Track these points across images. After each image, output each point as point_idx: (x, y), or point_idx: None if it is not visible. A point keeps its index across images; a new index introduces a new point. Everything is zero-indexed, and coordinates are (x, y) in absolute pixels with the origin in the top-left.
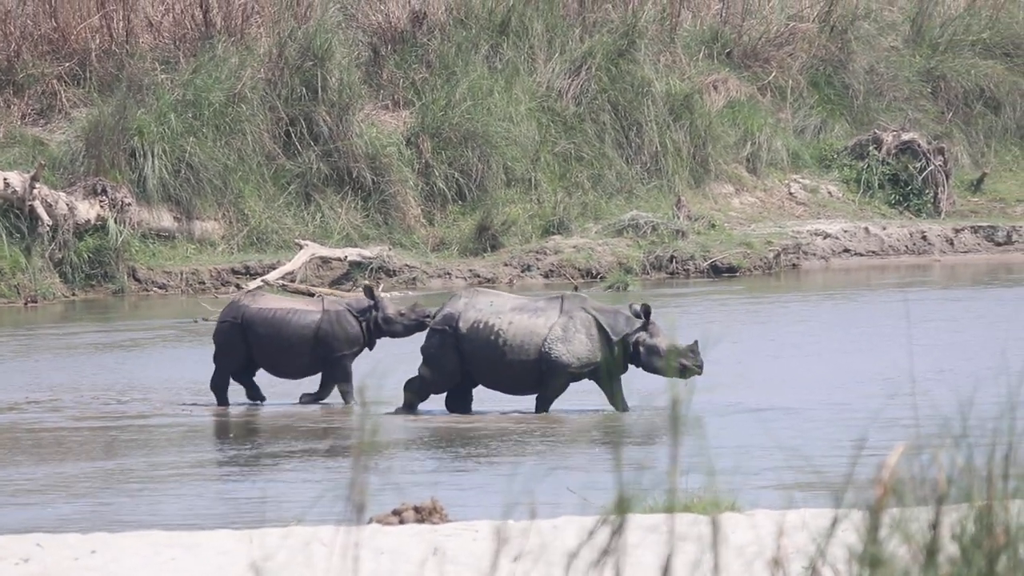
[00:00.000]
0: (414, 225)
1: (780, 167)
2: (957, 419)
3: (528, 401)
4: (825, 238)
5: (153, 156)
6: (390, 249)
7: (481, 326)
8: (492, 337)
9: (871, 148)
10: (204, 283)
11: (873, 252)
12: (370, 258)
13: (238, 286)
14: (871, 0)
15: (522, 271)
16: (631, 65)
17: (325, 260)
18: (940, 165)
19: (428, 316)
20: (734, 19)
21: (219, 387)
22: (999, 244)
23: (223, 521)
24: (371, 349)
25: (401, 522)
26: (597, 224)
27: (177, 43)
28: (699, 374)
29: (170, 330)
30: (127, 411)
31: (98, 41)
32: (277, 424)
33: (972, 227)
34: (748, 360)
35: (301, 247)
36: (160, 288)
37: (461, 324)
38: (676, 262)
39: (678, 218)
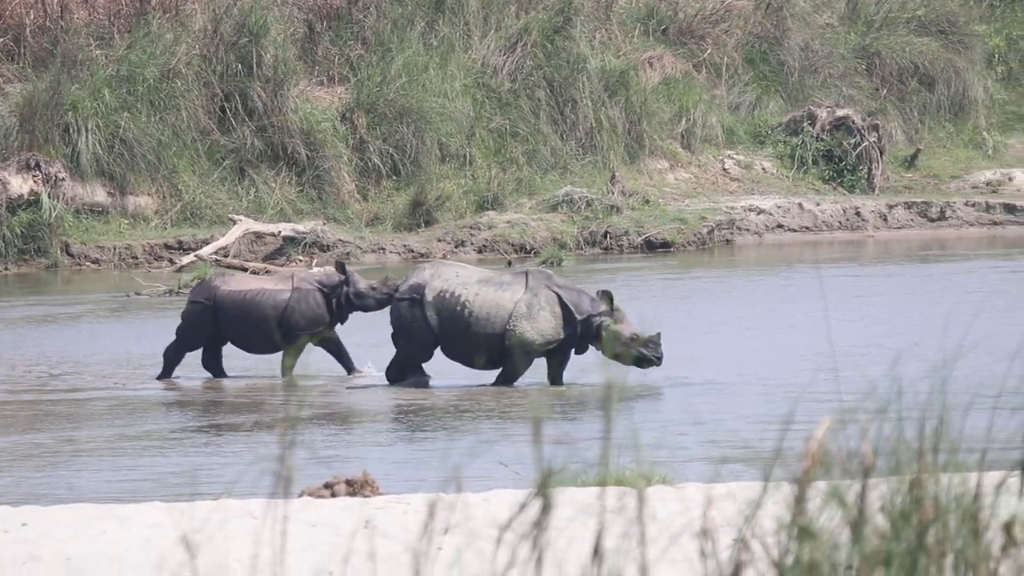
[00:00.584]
0: (348, 200)
1: (715, 143)
2: (886, 392)
3: (484, 375)
4: (759, 214)
5: (87, 131)
6: (324, 224)
7: (448, 296)
8: (458, 308)
9: (805, 124)
10: (137, 258)
11: (807, 228)
12: (304, 233)
13: (171, 261)
14: None
15: (456, 246)
16: (566, 42)
17: (259, 235)
18: (874, 141)
19: (398, 289)
20: None
21: (172, 361)
22: (932, 220)
23: (154, 494)
24: (343, 323)
25: (333, 495)
26: (531, 200)
27: (112, 19)
28: (658, 365)
29: (103, 304)
30: (60, 385)
31: (32, 16)
32: (209, 398)
33: (905, 203)
34: (681, 335)
35: (235, 222)
36: (93, 263)
37: (427, 293)
38: (610, 237)
39: (612, 194)
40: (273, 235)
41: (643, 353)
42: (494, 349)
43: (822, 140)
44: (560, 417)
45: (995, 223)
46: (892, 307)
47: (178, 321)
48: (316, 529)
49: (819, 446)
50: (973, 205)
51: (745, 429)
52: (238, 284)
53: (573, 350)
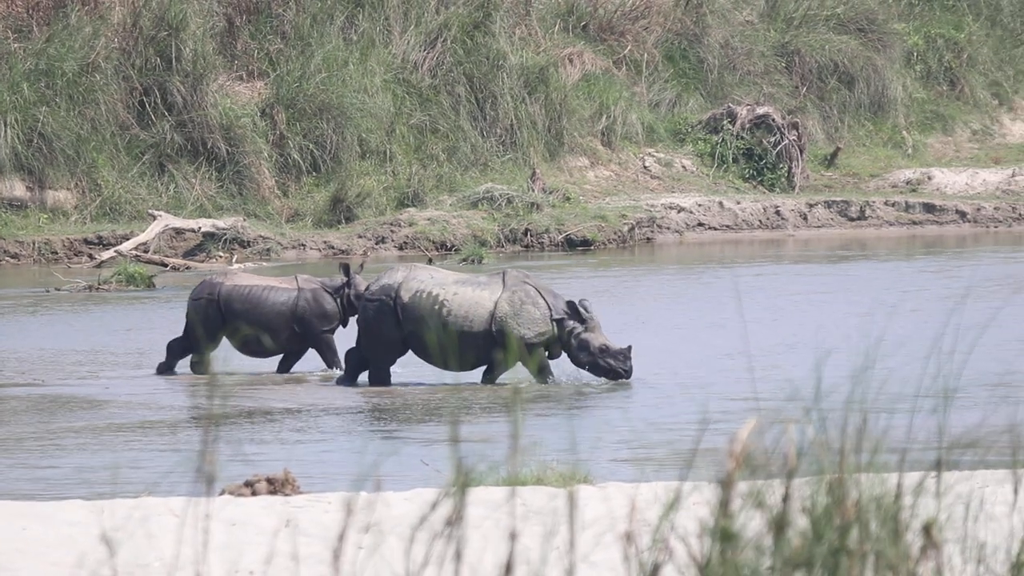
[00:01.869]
0: (268, 196)
1: (635, 141)
2: (808, 392)
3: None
4: (679, 212)
5: (5, 125)
6: (244, 220)
7: (424, 296)
8: (436, 307)
9: (725, 122)
10: (57, 253)
11: (727, 226)
12: (224, 229)
13: (91, 256)
14: None
15: (376, 243)
16: (486, 38)
17: (179, 231)
18: (794, 140)
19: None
20: None
21: (175, 355)
22: (852, 219)
23: (75, 491)
24: (345, 326)
25: (253, 493)
26: (452, 197)
27: (30, 12)
28: (626, 378)
29: (22, 300)
30: None
31: None
32: (130, 396)
33: (825, 202)
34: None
35: (155, 218)
36: (12, 258)
37: (403, 294)
38: (531, 235)
39: (533, 191)
40: (193, 231)
41: (611, 365)
42: (471, 348)
43: (742, 138)
44: (487, 416)
45: (914, 222)
46: (812, 306)
47: (98, 315)
48: (237, 528)
49: (743, 447)
50: (893, 204)
51: (666, 428)
52: (243, 280)
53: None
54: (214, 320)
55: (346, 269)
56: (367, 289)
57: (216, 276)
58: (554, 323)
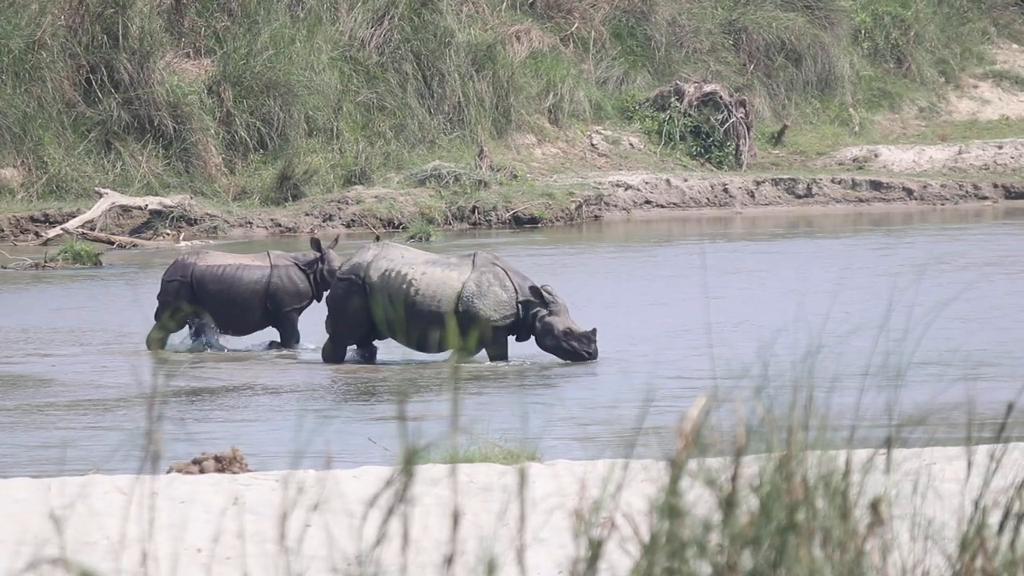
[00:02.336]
0: (215, 174)
1: (582, 118)
2: (757, 369)
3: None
4: (627, 189)
5: None
6: (191, 198)
7: (393, 275)
8: (404, 286)
9: (673, 100)
10: (3, 231)
11: (675, 204)
12: (171, 207)
13: (37, 234)
14: None
15: (324, 220)
16: (434, 15)
17: (125, 208)
18: (741, 117)
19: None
20: None
21: (157, 346)
22: (799, 197)
23: (21, 469)
24: (319, 301)
25: (201, 471)
26: (399, 174)
27: None
28: (591, 359)
29: None
30: None
31: None
32: (77, 373)
33: (773, 179)
34: None
35: (101, 195)
36: None
37: (372, 273)
38: (478, 212)
39: (480, 168)
40: (140, 208)
41: (575, 348)
42: (441, 327)
43: (690, 116)
44: (437, 394)
45: (861, 200)
46: (759, 284)
47: (44, 293)
48: (184, 505)
49: (693, 425)
50: (839, 182)
51: (614, 406)
52: (215, 260)
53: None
54: (187, 301)
55: (317, 244)
56: (340, 268)
57: (188, 256)
58: (519, 305)
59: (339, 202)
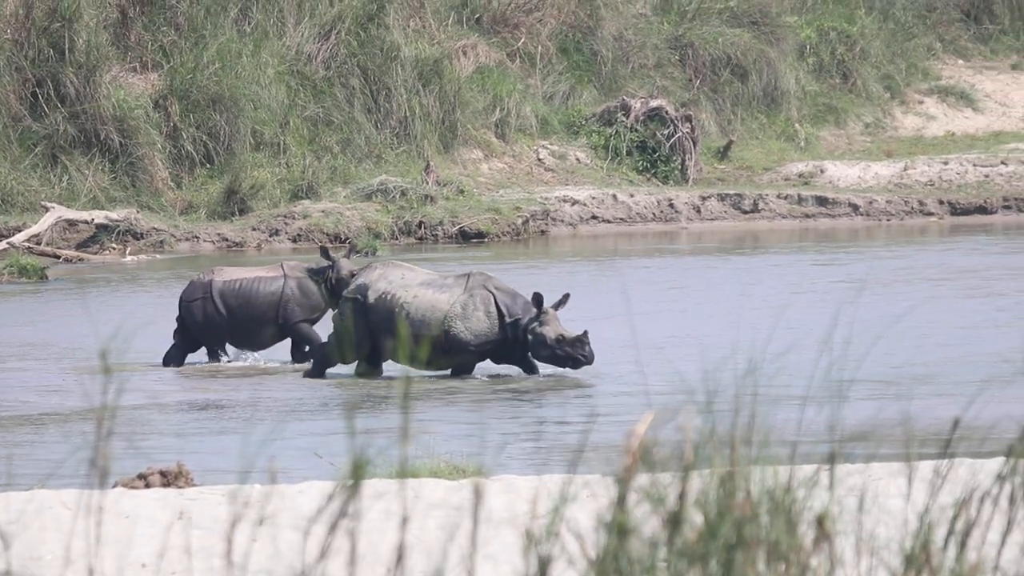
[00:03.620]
0: (162, 188)
1: (529, 133)
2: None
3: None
4: (573, 204)
5: None
6: (138, 212)
7: (387, 298)
8: (396, 309)
9: (619, 115)
10: None
11: (621, 219)
12: (117, 221)
13: None
14: None
15: (270, 235)
16: (380, 30)
17: (72, 223)
18: (687, 132)
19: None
20: None
21: (176, 363)
22: (745, 212)
23: None
24: (333, 310)
25: (147, 486)
26: (346, 189)
27: None
28: (589, 363)
29: None
30: None
31: None
32: (23, 387)
33: (719, 195)
34: None
35: (47, 209)
36: None
37: (371, 294)
38: (425, 227)
39: (427, 183)
40: (86, 223)
41: (569, 352)
42: (432, 352)
43: (636, 131)
44: (387, 409)
45: (807, 215)
46: (705, 299)
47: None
48: (130, 520)
49: (640, 441)
50: (785, 197)
51: (561, 422)
52: (232, 275)
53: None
54: (213, 318)
55: (326, 252)
56: (346, 287)
57: (204, 274)
58: (508, 327)
59: (286, 217)
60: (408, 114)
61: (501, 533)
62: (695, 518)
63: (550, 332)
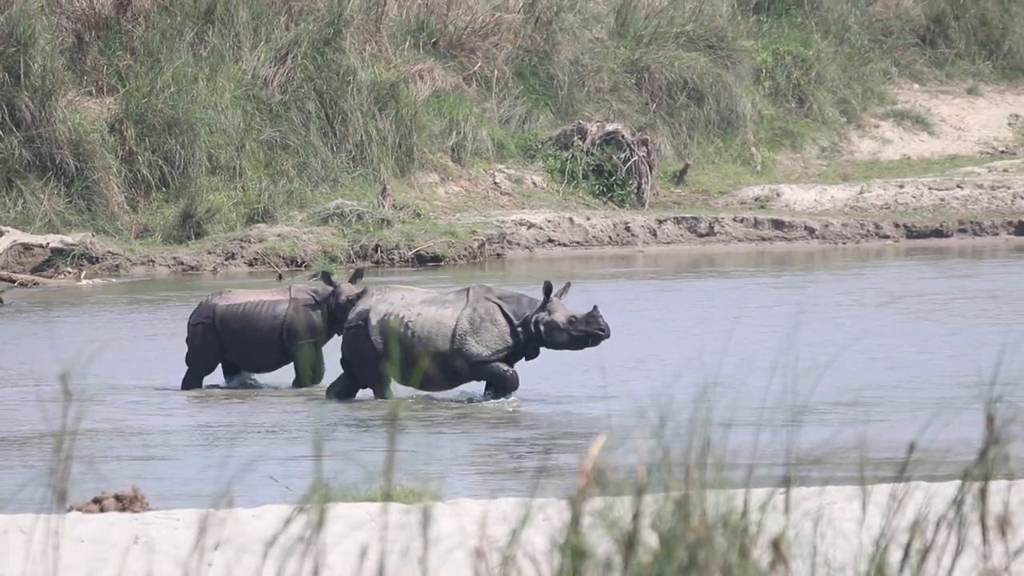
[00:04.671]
0: (117, 212)
1: (485, 157)
2: (658, 409)
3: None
4: (529, 228)
5: None
6: (93, 236)
7: (391, 319)
8: (401, 329)
9: (576, 139)
10: None
11: (577, 242)
12: (73, 245)
13: None
14: None
15: (226, 259)
16: (337, 54)
17: (27, 247)
18: (644, 156)
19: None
20: (440, 9)
21: (192, 387)
22: (701, 235)
23: None
24: (339, 335)
25: (102, 510)
26: (302, 212)
27: None
28: (607, 337)
29: None
30: None
31: None
32: None
33: (675, 218)
34: None
35: (2, 233)
36: None
37: (373, 318)
38: (381, 251)
39: (383, 207)
40: (41, 247)
41: (585, 331)
42: (440, 370)
43: (592, 155)
44: (343, 434)
45: (763, 239)
46: (661, 323)
47: None
48: (85, 545)
49: (594, 464)
50: (741, 221)
51: (516, 445)
52: (236, 299)
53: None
54: (215, 341)
55: (327, 277)
56: (347, 312)
57: (212, 297)
58: (519, 331)
59: (242, 240)
60: (364, 138)
61: (453, 557)
62: (649, 540)
63: (560, 317)
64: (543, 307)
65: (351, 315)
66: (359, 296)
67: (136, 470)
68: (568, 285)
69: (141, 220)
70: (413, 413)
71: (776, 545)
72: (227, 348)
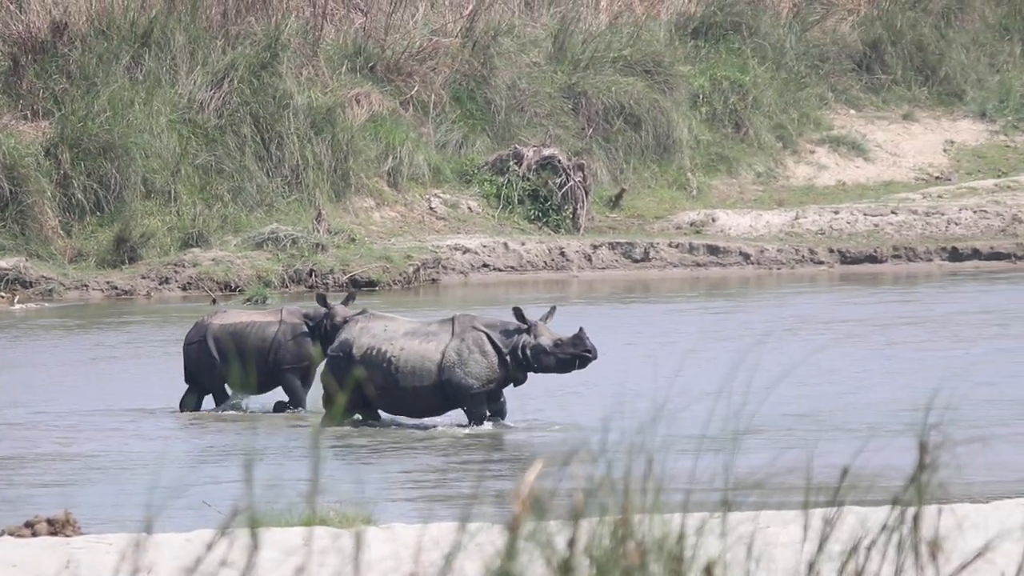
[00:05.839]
0: (52, 236)
1: (421, 182)
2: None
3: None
4: (464, 253)
5: None
6: (27, 260)
7: (374, 353)
8: (384, 364)
9: (512, 163)
10: None
11: (512, 267)
12: (6, 269)
13: None
14: (514, 16)
15: (160, 283)
16: (273, 78)
17: None
18: (580, 181)
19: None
20: (377, 33)
21: (191, 409)
22: (636, 261)
23: None
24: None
25: (34, 535)
26: (237, 237)
27: None
28: (595, 359)
29: None
30: None
31: None
32: None
33: (610, 243)
34: None
35: None
36: None
37: (355, 351)
38: (316, 275)
39: (318, 232)
40: None
41: (573, 353)
42: (425, 400)
43: (528, 179)
44: (281, 457)
45: (698, 264)
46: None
47: None
48: (16, 569)
49: (530, 490)
50: (677, 246)
51: (452, 470)
52: (230, 319)
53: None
54: (206, 361)
55: (323, 299)
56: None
57: (207, 317)
58: (507, 358)
59: (176, 265)
60: (300, 162)
61: None
62: (584, 566)
63: (546, 340)
64: (528, 331)
65: (333, 344)
66: (344, 326)
67: (66, 494)
68: (553, 309)
69: (75, 244)
70: (349, 438)
71: (709, 570)
72: (220, 369)
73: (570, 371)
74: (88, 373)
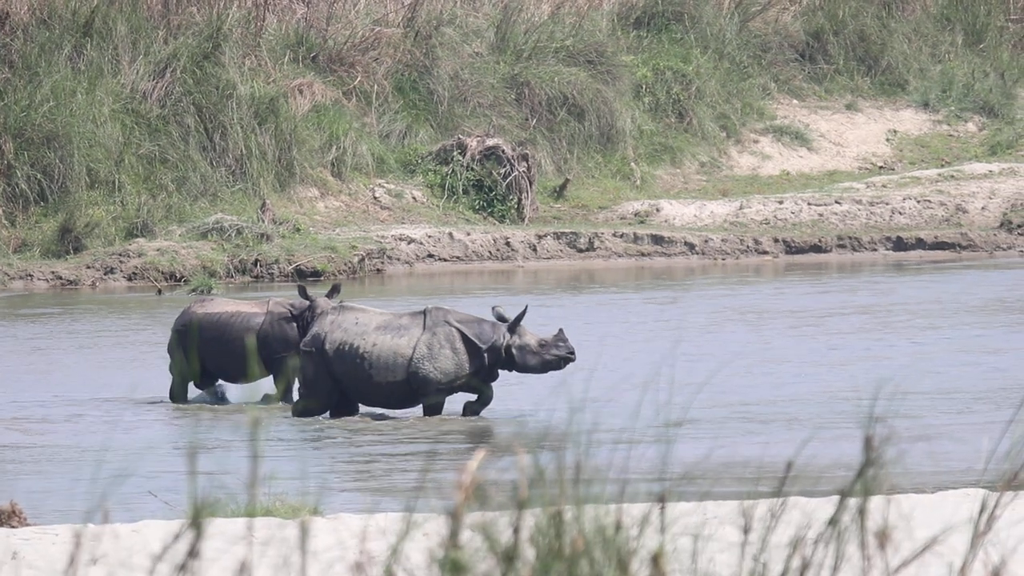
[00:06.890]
0: None
1: (365, 172)
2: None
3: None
4: (409, 243)
5: None
6: None
7: (346, 348)
8: (357, 360)
9: (456, 154)
10: None
11: (457, 257)
12: None
13: None
14: (456, 6)
15: (105, 273)
16: (216, 68)
17: None
18: (524, 171)
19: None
20: (319, 23)
21: (179, 399)
22: (581, 251)
23: None
24: None
25: None
26: (181, 227)
27: None
28: (573, 360)
29: None
30: None
31: None
32: None
33: (555, 233)
34: None
35: None
36: None
37: (327, 345)
38: (260, 265)
39: (263, 221)
40: None
41: (556, 354)
42: (399, 392)
43: (472, 170)
44: (223, 449)
45: (643, 254)
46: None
47: None
48: None
49: (472, 478)
50: (621, 236)
51: (395, 460)
52: (214, 307)
53: (488, 380)
54: (189, 349)
55: (304, 291)
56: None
57: (193, 304)
58: (487, 353)
59: (120, 255)
60: (244, 152)
61: (334, 571)
62: (529, 555)
63: (531, 341)
64: (514, 332)
65: (306, 338)
66: (315, 319)
67: (11, 485)
68: (526, 309)
69: (19, 234)
70: (296, 429)
71: (656, 560)
72: (204, 356)
73: (547, 372)
74: (33, 363)
